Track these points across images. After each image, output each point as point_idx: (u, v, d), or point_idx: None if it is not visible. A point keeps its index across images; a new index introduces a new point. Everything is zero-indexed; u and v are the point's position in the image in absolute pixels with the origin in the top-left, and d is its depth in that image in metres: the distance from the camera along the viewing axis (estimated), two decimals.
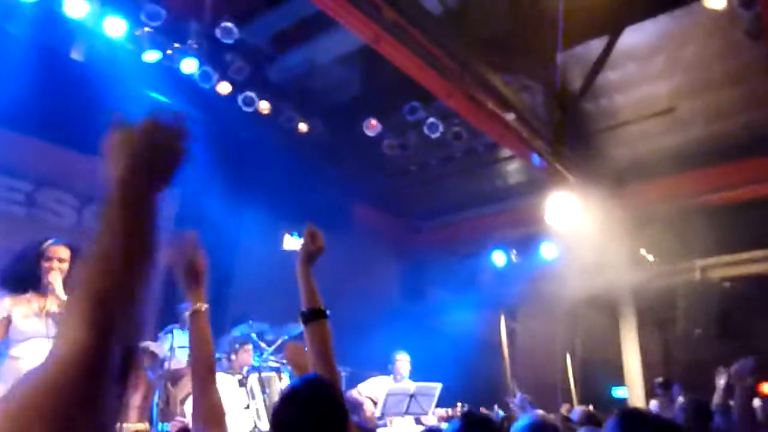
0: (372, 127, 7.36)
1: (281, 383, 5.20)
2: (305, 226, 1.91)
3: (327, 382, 1.67)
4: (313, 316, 1.78)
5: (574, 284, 8.38)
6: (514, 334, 9.84)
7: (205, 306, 1.77)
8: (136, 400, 4.99)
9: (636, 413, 1.87)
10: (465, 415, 2.30)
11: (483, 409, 4.27)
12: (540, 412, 2.29)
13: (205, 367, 1.71)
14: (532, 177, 8.45)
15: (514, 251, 9.09)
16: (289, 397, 1.62)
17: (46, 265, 3.27)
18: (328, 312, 1.81)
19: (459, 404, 5.17)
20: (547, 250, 8.54)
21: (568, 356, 9.15)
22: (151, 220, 0.88)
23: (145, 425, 5.02)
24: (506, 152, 8.16)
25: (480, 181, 8.82)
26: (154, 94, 6.80)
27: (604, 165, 7.84)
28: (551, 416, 2.17)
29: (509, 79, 6.56)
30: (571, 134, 7.35)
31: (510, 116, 6.37)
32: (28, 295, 3.26)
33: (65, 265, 3.28)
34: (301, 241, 1.92)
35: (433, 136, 7.34)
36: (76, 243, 3.44)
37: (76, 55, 6.41)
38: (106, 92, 6.12)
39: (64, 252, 3.33)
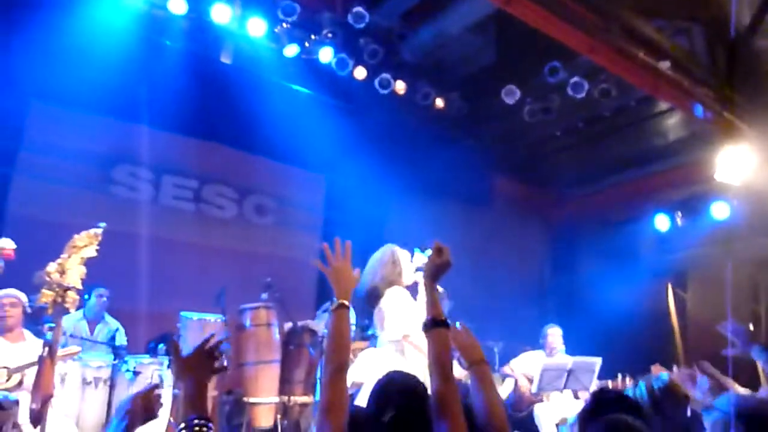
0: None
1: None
2: (432, 243, 1.98)
3: (418, 386, 1.78)
4: (434, 325, 1.84)
5: (754, 245, 7.48)
6: (683, 305, 9.02)
7: (347, 302, 1.93)
8: (299, 375, 5.31)
9: None
10: (596, 394, 2.14)
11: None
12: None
13: (339, 362, 1.82)
14: (695, 131, 7.62)
15: (680, 214, 8.30)
16: (380, 385, 1.80)
17: None
18: (450, 322, 1.88)
19: (620, 375, 4.86)
20: (718, 210, 7.69)
21: (750, 326, 8.21)
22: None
23: (309, 398, 5.34)
24: (663, 105, 7.43)
25: (634, 140, 8.12)
26: (296, 87, 7.13)
27: None
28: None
29: (662, 23, 5.94)
30: (741, 78, 6.50)
31: (665, 65, 5.77)
32: None
33: None
34: (428, 256, 2.00)
35: (579, 96, 6.89)
36: None
37: (225, 58, 6.88)
38: (254, 91, 6.55)
39: None
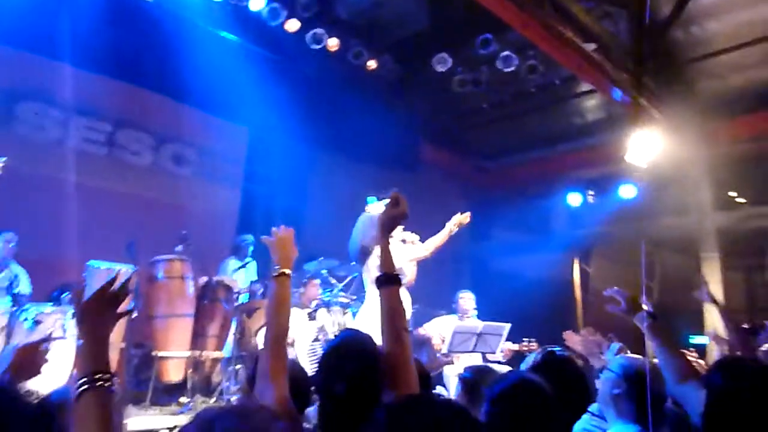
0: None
1: (346, 318, 5.30)
2: (389, 192, 1.89)
3: (365, 341, 1.75)
4: (388, 281, 1.77)
5: (654, 226, 8.01)
6: (587, 278, 9.58)
7: (289, 271, 1.88)
8: (213, 329, 5.23)
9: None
10: (546, 354, 2.23)
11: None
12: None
13: (280, 331, 1.79)
14: (612, 113, 7.99)
15: (591, 192, 8.73)
16: (330, 351, 1.75)
17: None
18: (402, 278, 1.81)
19: (526, 340, 5.11)
20: (626, 191, 8.15)
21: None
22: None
23: (221, 353, 5.28)
24: (585, 86, 7.71)
25: (556, 118, 8.42)
26: (223, 33, 6.81)
27: (693, 99, 7.28)
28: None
29: (591, 5, 6.12)
30: (657, 66, 6.83)
31: (591, 47, 5.97)
32: None
33: None
34: (383, 205, 1.93)
35: (507, 70, 7.02)
36: None
37: None
38: (177, 33, 6.19)
39: None
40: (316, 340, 5.03)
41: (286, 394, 1.67)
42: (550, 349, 2.34)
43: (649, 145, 6.40)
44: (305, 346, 5.00)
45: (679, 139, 6.80)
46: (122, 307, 1.44)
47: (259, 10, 6.40)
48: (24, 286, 4.82)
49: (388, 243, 1.84)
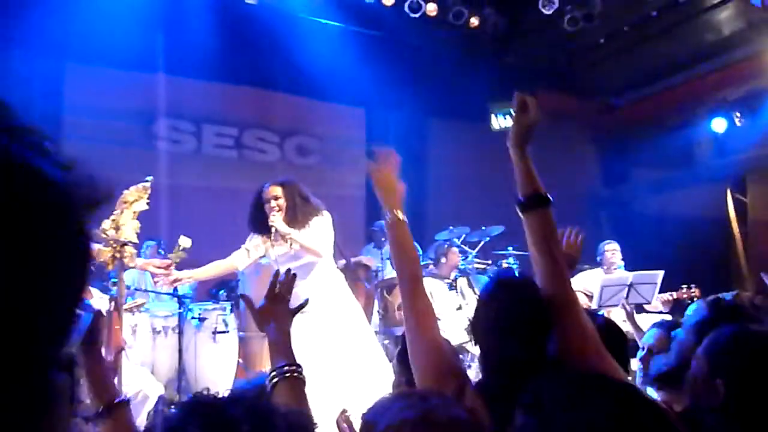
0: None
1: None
2: (513, 97, 1.58)
3: (526, 281, 1.56)
4: (532, 203, 1.52)
5: None
6: (745, 209, 8.68)
7: (402, 215, 1.66)
8: None
9: None
10: (714, 303, 2.01)
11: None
12: None
13: (410, 275, 1.62)
14: (752, 21, 7.08)
15: (738, 114, 7.85)
16: (485, 299, 1.57)
17: (266, 207, 3.61)
18: (551, 198, 1.54)
19: (685, 286, 4.74)
20: None
21: None
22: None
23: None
24: None
25: (685, 39, 7.61)
26: (324, 21, 6.92)
27: None
28: None
29: None
30: None
31: None
32: (263, 237, 3.70)
33: (281, 201, 3.59)
34: (510, 118, 1.61)
35: None
36: (287, 180, 3.74)
37: None
38: (282, 30, 6.40)
39: (276, 190, 3.63)
40: (459, 308, 5.04)
41: (441, 342, 1.58)
42: (718, 296, 2.12)
43: None
44: (451, 318, 5.02)
45: None
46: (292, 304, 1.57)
47: None
48: (185, 288, 5.30)
49: (527, 159, 1.57)
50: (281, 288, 1.59)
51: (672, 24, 7.38)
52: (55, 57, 5.79)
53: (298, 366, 1.44)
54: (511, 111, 1.58)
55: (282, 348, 1.48)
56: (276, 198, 3.60)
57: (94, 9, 5.30)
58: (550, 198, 1.53)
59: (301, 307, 1.66)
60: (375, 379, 3.35)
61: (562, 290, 1.48)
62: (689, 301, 4.33)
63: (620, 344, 1.76)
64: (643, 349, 2.19)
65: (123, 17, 5.42)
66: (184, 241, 3.07)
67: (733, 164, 8.29)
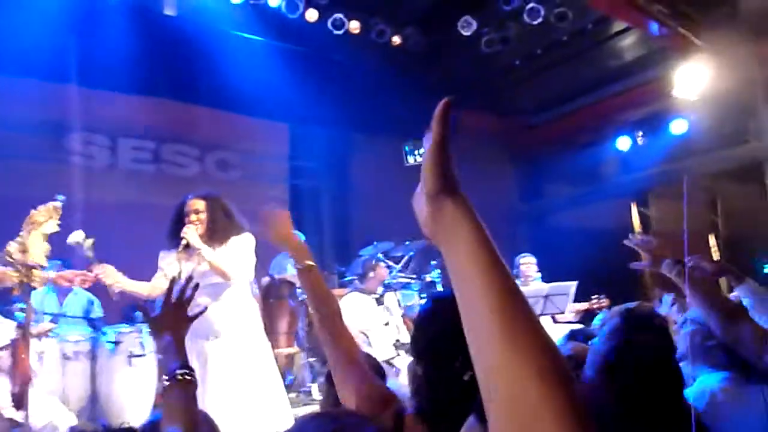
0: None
1: (414, 298, 5.32)
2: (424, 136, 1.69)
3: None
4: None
5: (712, 159, 7.68)
6: (648, 222, 9.29)
7: (312, 262, 1.70)
8: (282, 326, 5.35)
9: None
10: (626, 312, 2.11)
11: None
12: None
13: (330, 313, 1.64)
14: (651, 49, 7.64)
15: (640, 133, 8.42)
16: (424, 318, 1.55)
17: (186, 220, 3.40)
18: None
19: (596, 297, 5.02)
20: (677, 127, 7.83)
21: (711, 237, 8.53)
22: None
23: (294, 348, 5.41)
24: (619, 25, 7.39)
25: (592, 63, 8.11)
26: (246, 35, 6.85)
27: (737, 18, 6.88)
28: None
29: None
30: None
31: None
32: (177, 253, 3.39)
33: (202, 216, 3.40)
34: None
35: (535, 22, 6.80)
36: (210, 193, 3.59)
37: (169, 10, 6.53)
38: (203, 42, 6.26)
39: (198, 203, 3.45)
40: (387, 324, 5.08)
41: (369, 376, 1.57)
42: (627, 307, 2.25)
43: (697, 76, 6.11)
44: (378, 333, 5.05)
45: (727, 65, 6.45)
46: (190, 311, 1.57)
47: (277, 5, 6.40)
48: (98, 312, 5.04)
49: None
50: (180, 294, 1.59)
51: (581, 49, 7.84)
52: None
53: (191, 369, 1.45)
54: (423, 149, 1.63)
55: (176, 350, 1.49)
56: (197, 212, 3.41)
57: (2, 15, 5.00)
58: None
59: (200, 313, 1.69)
60: (269, 418, 3.24)
61: None
62: (598, 311, 4.58)
63: None
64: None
65: (34, 24, 5.12)
66: (75, 236, 2.85)
67: (637, 180, 8.87)
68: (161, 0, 6.41)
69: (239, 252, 3.42)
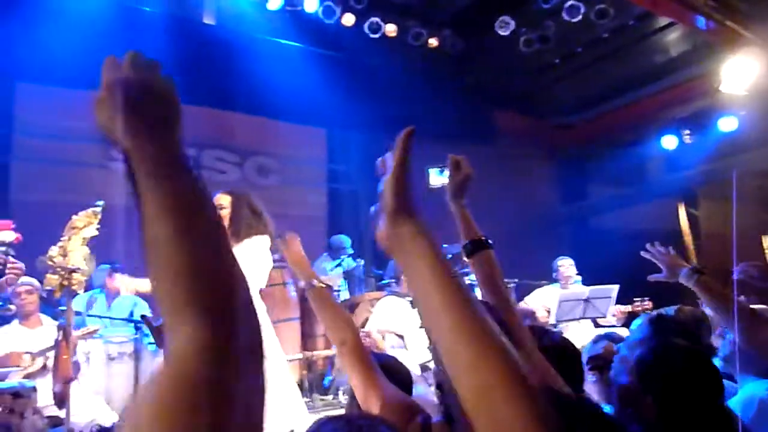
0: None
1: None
2: (446, 158, 1.76)
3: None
4: (474, 248, 1.67)
5: (763, 155, 7.37)
6: (696, 222, 8.98)
7: (319, 282, 1.78)
8: (320, 329, 5.37)
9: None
10: (654, 320, 2.06)
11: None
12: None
13: (342, 340, 1.67)
14: (697, 43, 7.39)
15: (687, 131, 8.15)
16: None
17: None
18: (490, 242, 1.69)
19: (638, 300, 4.86)
20: (725, 124, 7.54)
21: (765, 238, 8.18)
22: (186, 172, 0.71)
23: (332, 350, 5.42)
24: (663, 20, 7.18)
25: (636, 59, 7.89)
26: (284, 41, 6.94)
27: None
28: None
29: None
30: None
31: None
32: None
33: (225, 211, 3.37)
34: (447, 174, 1.76)
35: (575, 20, 6.67)
36: (237, 189, 3.63)
37: (208, 19, 6.69)
38: (242, 50, 6.37)
39: (223, 199, 3.43)
40: (422, 326, 5.04)
41: (390, 393, 1.61)
42: (660, 312, 2.18)
43: (745, 70, 5.88)
44: (413, 335, 5.02)
45: None
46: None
47: (314, 11, 6.46)
48: (144, 312, 5.17)
49: (465, 209, 1.73)
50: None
51: (623, 46, 7.65)
52: (4, 77, 5.63)
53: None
54: (446, 169, 1.75)
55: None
56: (221, 207, 3.37)
57: (45, 27, 5.19)
58: (490, 242, 1.68)
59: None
60: (280, 420, 3.17)
61: (511, 320, 1.55)
62: (642, 314, 4.43)
63: (573, 363, 1.80)
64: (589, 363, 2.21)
65: (76, 35, 5.31)
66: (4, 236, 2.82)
67: (684, 180, 8.59)
68: (200, 9, 6.57)
69: (252, 253, 3.34)
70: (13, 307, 3.79)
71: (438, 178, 1.92)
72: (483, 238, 1.68)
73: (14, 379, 3.32)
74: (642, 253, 2.21)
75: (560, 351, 1.68)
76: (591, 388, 2.15)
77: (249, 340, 0.62)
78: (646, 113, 8.37)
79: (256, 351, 0.63)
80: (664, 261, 2.15)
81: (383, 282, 5.89)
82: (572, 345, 1.91)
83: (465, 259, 1.69)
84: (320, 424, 1.07)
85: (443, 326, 0.71)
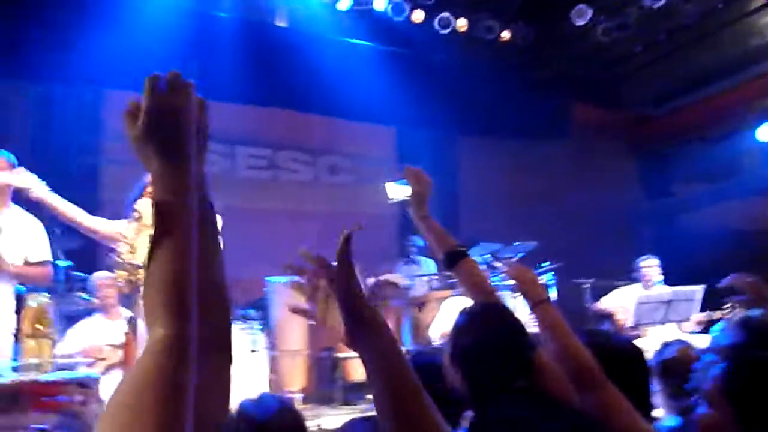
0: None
1: (517, 301, 5.11)
2: (403, 171, 1.77)
3: (500, 307, 1.54)
4: (455, 257, 1.65)
5: None
6: None
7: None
8: None
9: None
10: (745, 324, 1.87)
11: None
12: None
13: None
14: None
15: None
16: (462, 326, 1.53)
17: None
18: (465, 248, 1.69)
19: (729, 305, 4.49)
20: None
21: None
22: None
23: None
24: (757, 1, 6.65)
25: (726, 44, 7.35)
26: (354, 41, 6.98)
27: None
28: None
29: None
30: None
31: None
32: None
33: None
34: (407, 187, 1.75)
35: (657, 5, 6.31)
36: None
37: (280, 22, 6.83)
38: (314, 51, 6.47)
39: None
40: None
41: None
42: (748, 316, 1.98)
43: None
44: None
45: None
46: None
47: (383, 9, 6.46)
48: None
49: (431, 220, 1.70)
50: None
51: (711, 30, 7.15)
52: (93, 84, 5.99)
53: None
54: (404, 182, 1.75)
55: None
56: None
57: (129, 38, 5.47)
58: (465, 249, 1.68)
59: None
60: None
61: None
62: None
63: (633, 372, 1.65)
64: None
65: (157, 43, 5.56)
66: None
67: None
68: (273, 13, 6.72)
69: None
70: (95, 300, 4.02)
71: (397, 190, 1.89)
72: (459, 246, 1.66)
73: (95, 371, 3.51)
74: (722, 282, 2.02)
75: (616, 354, 1.56)
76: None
77: (216, 341, 0.79)
78: (738, 102, 7.77)
79: (223, 350, 0.82)
80: (743, 287, 1.96)
81: (454, 280, 5.81)
82: (636, 353, 1.76)
83: (446, 272, 1.65)
84: (353, 423, 1.14)
85: (388, 408, 0.96)
